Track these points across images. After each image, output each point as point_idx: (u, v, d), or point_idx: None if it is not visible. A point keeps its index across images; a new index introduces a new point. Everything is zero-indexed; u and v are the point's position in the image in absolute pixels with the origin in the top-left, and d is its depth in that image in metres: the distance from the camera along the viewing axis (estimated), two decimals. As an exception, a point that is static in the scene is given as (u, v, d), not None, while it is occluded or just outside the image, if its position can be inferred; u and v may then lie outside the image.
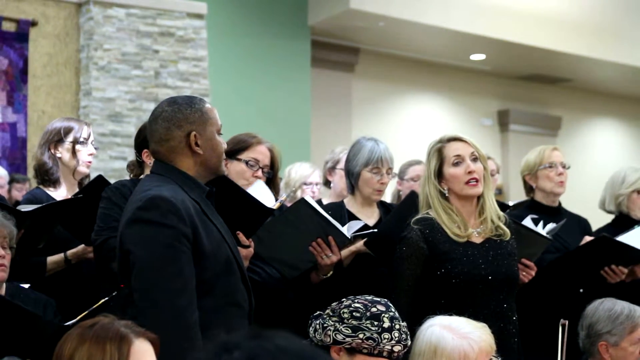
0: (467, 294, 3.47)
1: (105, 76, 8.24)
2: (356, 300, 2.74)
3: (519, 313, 3.68)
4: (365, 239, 3.85)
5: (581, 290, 4.60)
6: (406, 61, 12.02)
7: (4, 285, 3.40)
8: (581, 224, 4.81)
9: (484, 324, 2.90)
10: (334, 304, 2.77)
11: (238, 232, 3.32)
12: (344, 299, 2.77)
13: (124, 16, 8.38)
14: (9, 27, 8.09)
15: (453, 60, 12.23)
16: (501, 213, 3.71)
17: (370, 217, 4.07)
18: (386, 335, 2.65)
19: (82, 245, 3.92)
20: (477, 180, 3.58)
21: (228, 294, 2.83)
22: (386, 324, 2.66)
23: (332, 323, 2.69)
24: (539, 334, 4.41)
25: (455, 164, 3.60)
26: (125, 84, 8.33)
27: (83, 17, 8.36)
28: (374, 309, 2.70)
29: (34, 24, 8.20)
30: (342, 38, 10.97)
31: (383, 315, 2.68)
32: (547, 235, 4.09)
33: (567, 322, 3.46)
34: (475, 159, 3.62)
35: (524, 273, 3.99)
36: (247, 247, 3.41)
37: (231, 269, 2.85)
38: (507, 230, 3.65)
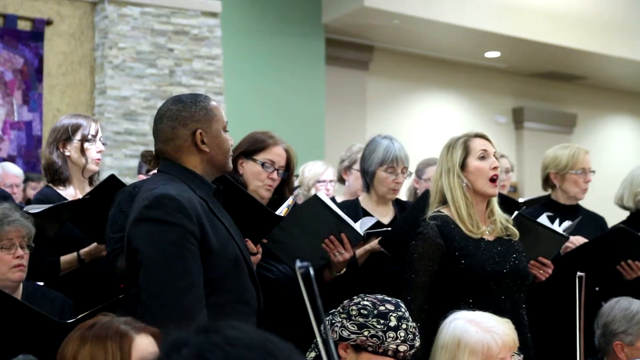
0: (483, 289, 3.47)
1: (120, 75, 8.26)
2: (366, 298, 2.74)
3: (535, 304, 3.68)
4: (380, 238, 3.85)
5: (597, 289, 4.57)
6: (420, 59, 12.00)
7: (21, 284, 3.41)
8: (597, 222, 4.78)
9: (508, 319, 2.90)
10: (346, 301, 2.77)
11: (246, 239, 3.30)
12: (355, 297, 2.77)
13: (138, 15, 8.40)
14: (24, 26, 8.12)
15: (468, 58, 12.21)
16: (507, 216, 3.71)
17: (385, 215, 4.07)
18: (391, 334, 2.64)
19: (95, 244, 3.91)
20: (496, 180, 3.60)
21: (236, 291, 2.82)
22: (392, 323, 2.66)
23: (340, 319, 2.70)
24: (552, 328, 4.40)
25: (481, 158, 3.60)
26: (140, 83, 8.34)
27: (98, 15, 8.38)
28: (382, 308, 2.69)
29: (49, 22, 8.23)
30: (356, 36, 10.97)
31: (390, 314, 2.68)
32: (564, 233, 4.08)
33: (584, 275, 3.43)
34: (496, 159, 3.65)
35: (541, 271, 3.99)
36: (255, 254, 3.40)
37: (239, 266, 2.84)
38: (516, 231, 3.66)
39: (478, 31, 10.72)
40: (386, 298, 2.76)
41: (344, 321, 2.69)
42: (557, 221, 4.17)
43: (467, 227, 3.55)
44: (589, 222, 4.65)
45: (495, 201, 3.67)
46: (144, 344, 2.13)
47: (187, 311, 2.62)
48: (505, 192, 5.56)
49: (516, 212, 4.03)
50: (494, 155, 3.65)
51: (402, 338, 2.65)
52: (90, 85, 8.40)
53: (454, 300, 3.43)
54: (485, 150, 3.62)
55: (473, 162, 3.60)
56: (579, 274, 3.43)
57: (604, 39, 11.70)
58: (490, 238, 3.59)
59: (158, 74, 8.45)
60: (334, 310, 2.78)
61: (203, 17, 8.75)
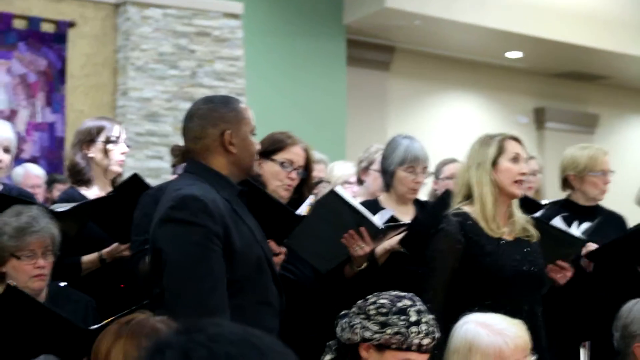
0: (501, 289, 3.47)
1: (142, 76, 8.30)
2: (381, 297, 2.75)
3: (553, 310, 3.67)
4: (400, 238, 3.85)
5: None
6: (442, 59, 11.98)
7: (45, 288, 3.44)
8: (618, 221, 4.75)
9: (520, 321, 2.89)
10: (359, 301, 2.78)
11: (269, 240, 3.31)
12: (369, 296, 2.78)
13: (160, 16, 8.44)
14: (47, 28, 8.18)
15: (489, 58, 12.17)
16: (527, 217, 3.71)
17: (405, 214, 4.07)
18: (414, 329, 2.65)
19: (116, 244, 3.93)
20: (521, 183, 3.60)
21: (259, 292, 2.84)
22: (413, 318, 2.67)
23: (359, 321, 2.70)
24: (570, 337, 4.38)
25: (513, 160, 3.60)
26: (162, 84, 8.38)
27: (120, 17, 8.43)
28: (400, 304, 2.70)
29: (72, 25, 8.28)
30: (377, 37, 10.96)
31: (409, 309, 2.69)
32: (581, 236, 4.06)
33: (587, 343, 3.42)
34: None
35: (559, 275, 3.98)
36: (278, 254, 3.41)
37: (262, 267, 2.86)
38: (535, 233, 3.66)
39: (499, 31, 10.68)
40: (400, 294, 2.78)
41: (364, 322, 2.69)
42: (575, 223, 4.15)
43: (489, 225, 3.54)
44: (609, 221, 4.63)
45: (515, 203, 3.68)
46: None
47: (211, 311, 2.64)
48: (531, 193, 5.53)
49: (530, 216, 4.02)
50: (525, 161, 3.66)
51: (425, 331, 2.67)
52: (113, 87, 8.44)
53: (472, 299, 3.44)
54: (518, 154, 3.62)
55: (504, 163, 3.59)
56: (582, 343, 3.42)
57: (626, 39, 11.63)
58: (510, 238, 3.59)
59: (180, 76, 8.49)
60: (346, 311, 2.80)
61: (225, 19, 8.78)
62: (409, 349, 2.66)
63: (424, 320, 2.69)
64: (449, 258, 3.51)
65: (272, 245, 3.32)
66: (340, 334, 2.76)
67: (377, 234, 3.70)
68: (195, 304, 2.64)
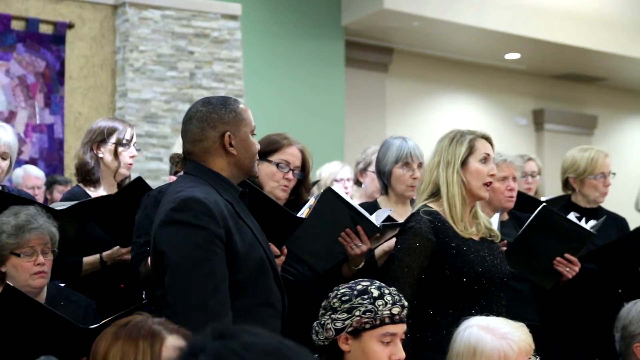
0: (473, 290, 3.44)
1: (141, 77, 8.30)
2: (341, 288, 2.81)
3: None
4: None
5: (620, 291, 4.56)
6: (440, 61, 11.99)
7: (45, 287, 3.44)
8: (619, 223, 4.76)
9: (522, 324, 2.88)
10: (323, 302, 2.83)
11: (269, 243, 3.30)
12: (330, 293, 2.83)
13: (159, 18, 8.44)
14: (46, 29, 8.18)
15: (487, 60, 12.18)
16: (488, 218, 3.70)
17: (404, 216, 4.06)
18: (379, 302, 2.71)
19: (117, 247, 3.93)
20: (489, 185, 3.59)
21: (261, 294, 2.84)
22: (375, 293, 2.73)
23: (328, 317, 2.76)
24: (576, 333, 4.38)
25: (483, 161, 3.58)
26: (161, 85, 8.38)
27: (119, 19, 8.43)
28: (359, 287, 2.77)
29: (70, 26, 8.28)
30: (375, 38, 10.97)
31: (369, 287, 2.76)
32: (592, 230, 4.06)
33: None
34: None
35: (567, 269, 3.98)
36: (278, 256, 3.40)
37: (264, 269, 2.86)
38: (498, 233, 3.66)
39: (498, 33, 10.70)
40: (357, 280, 2.85)
41: (333, 315, 2.75)
42: (583, 220, 4.16)
43: (458, 225, 3.51)
44: (610, 223, 4.63)
45: (478, 204, 3.66)
46: (176, 345, 2.14)
47: (213, 313, 2.64)
48: (531, 194, 5.54)
49: (543, 205, 4.01)
50: (493, 161, 3.64)
51: (391, 302, 2.72)
52: (111, 88, 8.45)
53: (440, 299, 3.43)
54: (487, 155, 3.58)
55: (474, 163, 3.56)
56: None
57: (624, 40, 11.64)
58: (476, 239, 3.57)
59: (179, 77, 8.49)
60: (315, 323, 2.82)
61: (223, 20, 8.78)
62: (382, 323, 2.70)
63: (386, 292, 2.75)
64: (419, 257, 3.46)
65: (273, 248, 3.32)
66: (317, 338, 2.79)
67: (374, 232, 3.68)
68: (198, 306, 2.64)
